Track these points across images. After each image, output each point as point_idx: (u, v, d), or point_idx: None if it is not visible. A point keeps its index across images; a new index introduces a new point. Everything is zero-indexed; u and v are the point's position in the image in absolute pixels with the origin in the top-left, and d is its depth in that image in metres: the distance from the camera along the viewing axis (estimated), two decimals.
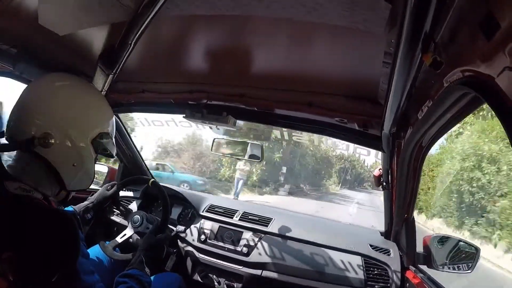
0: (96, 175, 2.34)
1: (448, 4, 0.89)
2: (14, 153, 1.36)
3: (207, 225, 2.54)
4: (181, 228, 2.47)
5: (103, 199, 2.23)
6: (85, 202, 2.13)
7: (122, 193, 2.62)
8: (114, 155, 1.62)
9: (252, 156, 2.65)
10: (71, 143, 1.36)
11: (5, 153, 1.48)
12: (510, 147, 0.72)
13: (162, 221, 2.13)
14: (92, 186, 2.87)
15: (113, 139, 1.56)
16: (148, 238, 1.94)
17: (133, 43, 1.63)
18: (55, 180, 1.37)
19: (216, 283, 2.40)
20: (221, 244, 2.44)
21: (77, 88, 1.45)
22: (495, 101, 0.78)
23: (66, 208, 1.98)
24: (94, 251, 2.09)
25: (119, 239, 2.17)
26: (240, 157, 2.78)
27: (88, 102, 1.45)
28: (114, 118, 1.58)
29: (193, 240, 2.48)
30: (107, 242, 2.18)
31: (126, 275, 1.61)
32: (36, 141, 1.27)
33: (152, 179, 2.29)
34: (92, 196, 2.21)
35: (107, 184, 2.36)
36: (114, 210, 2.50)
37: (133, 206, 2.63)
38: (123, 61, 1.78)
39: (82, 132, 1.40)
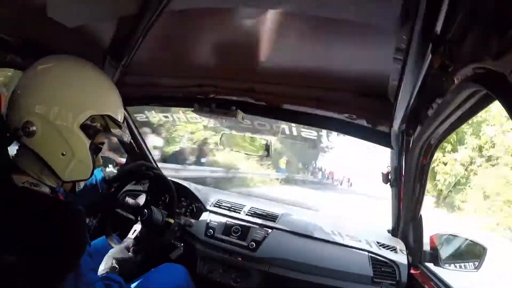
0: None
1: (461, 1, 0.88)
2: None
3: (214, 220, 2.54)
4: (188, 222, 2.48)
5: (135, 174, 2.23)
6: (116, 172, 2.11)
7: (129, 187, 2.64)
8: (126, 140, 1.50)
9: (260, 151, 2.65)
10: (54, 130, 1.24)
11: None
12: None
13: (145, 242, 2.09)
14: None
15: (118, 122, 1.40)
16: (122, 250, 1.90)
17: (142, 36, 1.62)
18: (49, 170, 1.28)
19: (223, 278, 2.40)
20: (228, 239, 2.44)
21: (60, 68, 1.32)
22: (507, 99, 0.77)
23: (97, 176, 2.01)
24: (98, 244, 2.05)
25: (131, 235, 2.16)
26: (247, 152, 2.78)
27: (73, 81, 1.29)
28: (116, 96, 1.43)
29: (200, 234, 2.48)
30: (116, 239, 2.17)
31: (105, 278, 1.56)
32: (20, 131, 1.20)
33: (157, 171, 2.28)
34: (125, 167, 2.25)
35: (143, 162, 2.33)
36: (122, 203, 2.52)
37: (141, 200, 2.64)
38: (132, 54, 1.78)
39: (66, 116, 1.25)
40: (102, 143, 1.43)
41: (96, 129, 1.33)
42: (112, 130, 1.38)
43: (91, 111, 1.30)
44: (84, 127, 1.29)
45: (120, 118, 1.42)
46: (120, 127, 1.40)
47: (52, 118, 1.23)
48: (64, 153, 1.27)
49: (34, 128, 1.21)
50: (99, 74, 1.40)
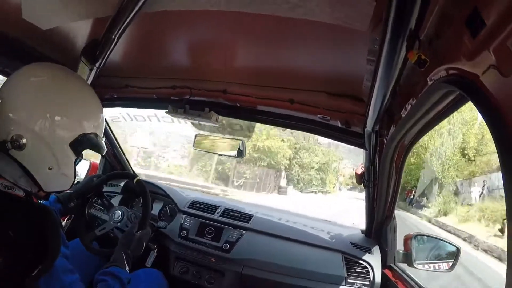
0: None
1: (434, 1, 0.88)
2: None
3: (188, 221, 2.52)
4: (162, 224, 2.45)
5: (87, 189, 2.15)
6: (69, 191, 2.04)
7: (105, 188, 2.57)
8: (102, 155, 1.49)
9: (234, 152, 2.63)
10: (45, 146, 1.24)
11: None
12: (495, 145, 0.72)
13: (142, 218, 2.07)
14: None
15: (100, 139, 1.42)
16: (128, 235, 1.87)
17: (116, 38, 1.62)
18: (32, 181, 1.28)
19: (196, 279, 2.38)
20: (202, 240, 2.42)
21: (52, 83, 1.31)
22: (480, 99, 0.78)
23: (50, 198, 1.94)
24: (74, 245, 2.00)
25: (97, 232, 2.12)
26: (222, 153, 2.77)
27: (66, 99, 1.30)
28: (102, 114, 1.45)
29: (174, 236, 2.45)
30: (93, 244, 2.13)
31: (106, 272, 1.53)
32: (8, 144, 1.18)
33: (138, 178, 2.23)
34: (77, 185, 2.14)
35: (94, 175, 2.28)
36: (95, 204, 2.46)
37: (115, 201, 2.59)
38: (107, 55, 1.77)
39: (57, 134, 1.27)
40: (82, 156, 1.44)
41: (83, 146, 1.36)
42: (95, 145, 1.40)
43: (81, 130, 1.33)
44: (72, 145, 1.32)
45: (102, 133, 1.46)
46: (101, 141, 1.43)
47: (43, 135, 1.24)
48: (51, 167, 1.29)
49: (24, 141, 1.20)
50: (88, 90, 1.43)
